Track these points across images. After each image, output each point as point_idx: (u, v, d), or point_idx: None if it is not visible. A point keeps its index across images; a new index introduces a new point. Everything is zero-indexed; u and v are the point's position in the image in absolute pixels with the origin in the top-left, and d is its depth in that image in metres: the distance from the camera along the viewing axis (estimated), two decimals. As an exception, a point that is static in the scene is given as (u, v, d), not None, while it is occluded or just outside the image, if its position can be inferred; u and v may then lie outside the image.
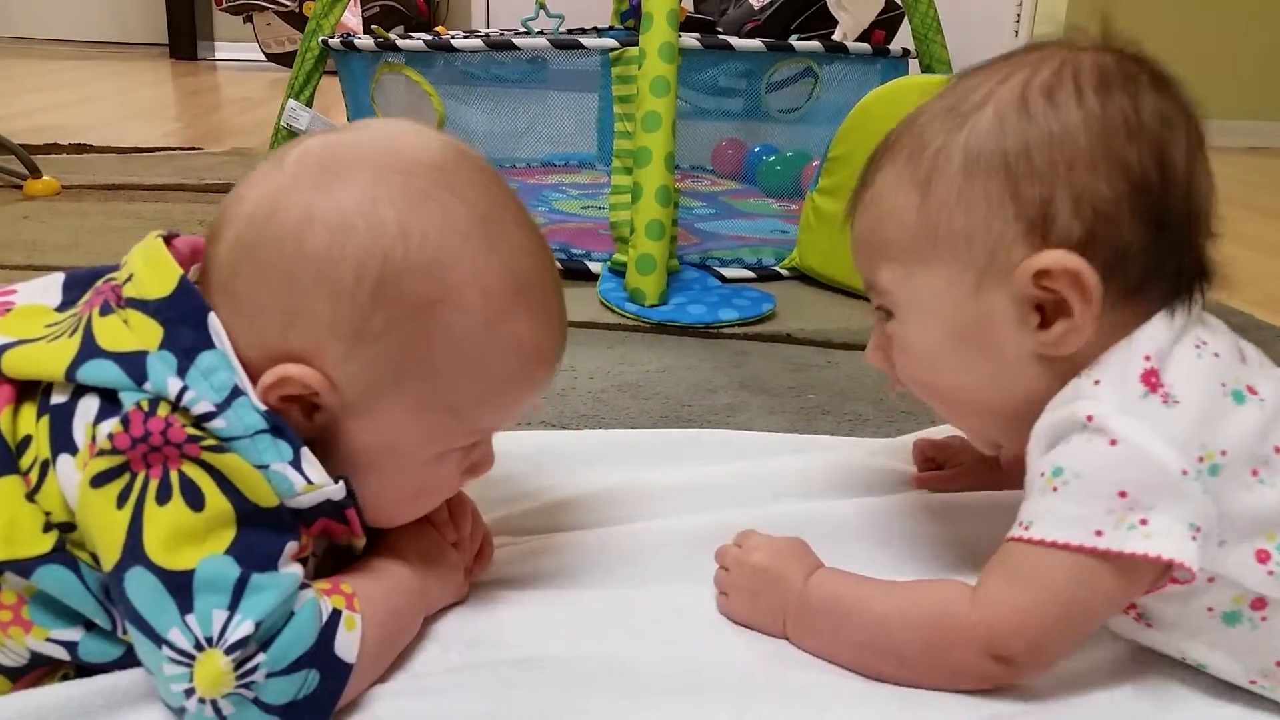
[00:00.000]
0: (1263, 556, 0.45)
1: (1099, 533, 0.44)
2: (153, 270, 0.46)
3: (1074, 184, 0.47)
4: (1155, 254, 0.48)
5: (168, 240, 0.48)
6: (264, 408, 0.44)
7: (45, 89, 3.10)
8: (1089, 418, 0.45)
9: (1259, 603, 0.46)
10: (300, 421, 0.46)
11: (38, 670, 0.46)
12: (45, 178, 1.64)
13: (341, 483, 0.46)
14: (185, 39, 4.20)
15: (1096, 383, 0.47)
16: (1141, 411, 0.45)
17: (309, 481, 0.45)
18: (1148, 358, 0.46)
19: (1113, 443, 0.45)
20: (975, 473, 0.66)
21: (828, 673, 0.50)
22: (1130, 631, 0.51)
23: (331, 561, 0.51)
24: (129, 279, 0.46)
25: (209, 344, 0.44)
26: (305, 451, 0.45)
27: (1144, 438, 0.44)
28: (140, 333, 0.44)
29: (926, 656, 0.48)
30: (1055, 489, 0.46)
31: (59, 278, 0.51)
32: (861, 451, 0.74)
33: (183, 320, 0.45)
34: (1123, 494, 0.44)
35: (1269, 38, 2.87)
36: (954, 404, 0.54)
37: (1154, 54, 0.51)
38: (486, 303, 0.46)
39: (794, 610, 0.52)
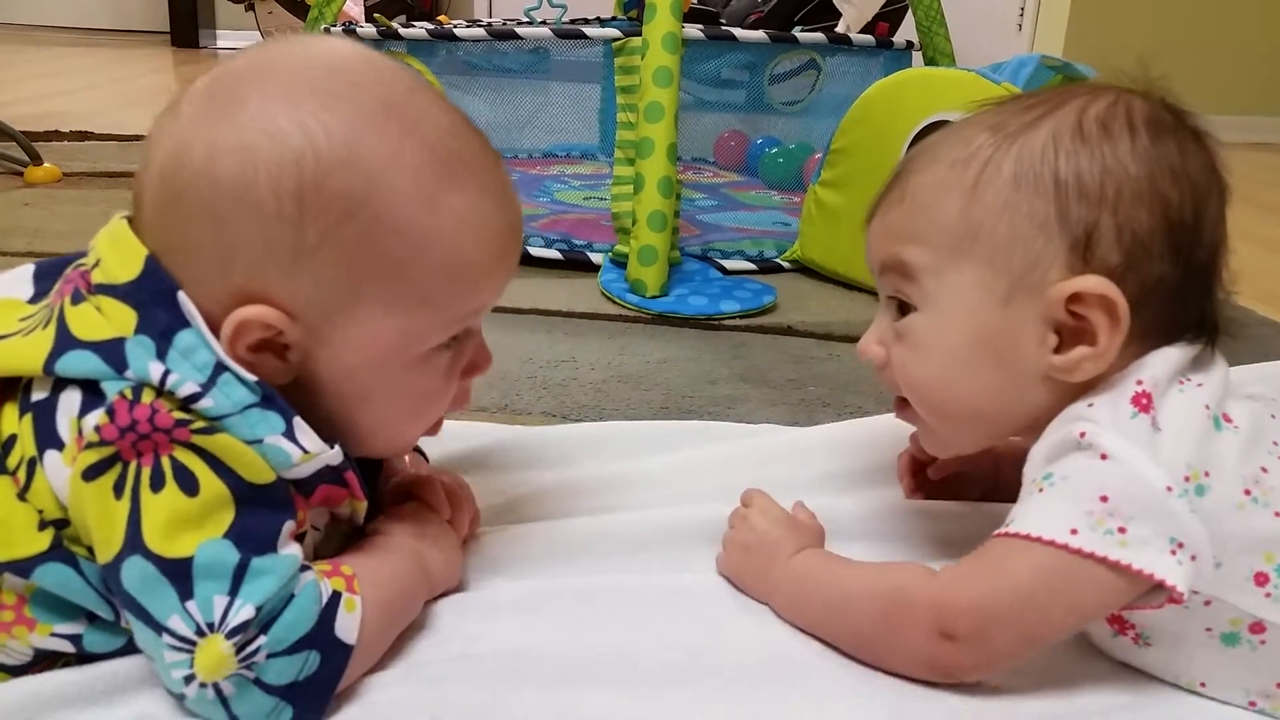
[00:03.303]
0: (1261, 579, 0.45)
1: (1074, 531, 0.45)
2: (118, 253, 0.45)
3: (1119, 213, 0.48)
4: (1178, 294, 0.49)
5: (132, 221, 0.47)
6: (249, 376, 0.43)
7: (46, 76, 3.10)
8: (1081, 434, 0.46)
9: (1258, 626, 0.46)
10: (278, 368, 0.45)
11: (41, 664, 0.46)
12: (46, 165, 1.64)
13: (337, 447, 0.46)
14: (187, 27, 4.19)
15: (1090, 405, 0.48)
16: (1131, 431, 0.46)
17: (304, 450, 0.44)
18: (1140, 382, 0.47)
19: (1103, 457, 0.45)
20: (966, 481, 0.65)
21: (828, 661, 0.50)
22: (1127, 654, 0.50)
23: (337, 540, 0.51)
24: (97, 264, 0.46)
25: (184, 323, 0.43)
26: (298, 421, 0.45)
27: (1132, 454, 0.45)
28: (114, 319, 0.44)
29: (881, 631, 0.49)
30: (1041, 490, 0.47)
31: (29, 269, 0.50)
32: (862, 432, 0.74)
33: (154, 301, 0.44)
34: (1104, 499, 0.45)
35: (1268, 33, 2.86)
36: (946, 408, 0.53)
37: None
38: (419, 182, 0.45)
39: (776, 576, 0.54)
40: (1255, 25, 2.85)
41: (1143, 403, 0.47)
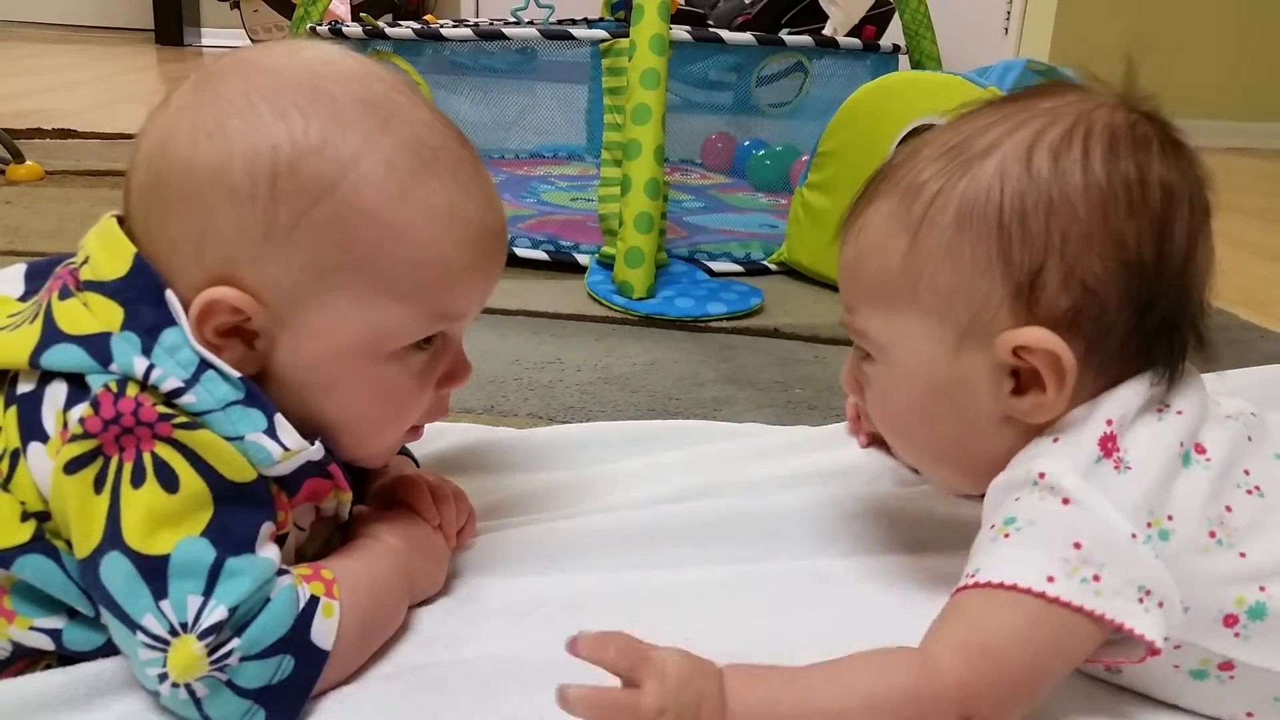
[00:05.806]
0: (1230, 621, 0.44)
1: (1050, 579, 0.42)
2: (107, 251, 0.46)
3: (1067, 256, 0.46)
4: (1139, 335, 0.47)
5: (122, 220, 0.48)
6: (233, 372, 0.44)
7: (29, 73, 3.07)
8: (1040, 475, 0.45)
9: (1226, 665, 0.45)
10: (245, 356, 0.45)
11: (21, 662, 0.46)
12: (29, 163, 1.62)
13: (318, 443, 0.46)
14: (171, 24, 4.17)
15: (1055, 440, 0.47)
16: (1093, 475, 0.44)
17: (285, 448, 0.45)
18: (1109, 421, 0.46)
19: (1065, 501, 0.44)
20: None
21: (814, 655, 0.50)
22: (1100, 674, 0.50)
23: (322, 539, 0.51)
24: (85, 261, 0.46)
25: (170, 321, 0.44)
26: (279, 418, 0.45)
27: (1094, 500, 0.44)
28: (101, 314, 0.44)
29: None
30: (1006, 535, 0.44)
31: (20, 268, 0.51)
32: (845, 433, 0.74)
33: (142, 299, 0.44)
34: (1078, 545, 0.43)
35: (1251, 39, 2.89)
36: (920, 452, 0.54)
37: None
38: (392, 173, 0.45)
39: None
40: (1240, 30, 2.87)
41: (1108, 446, 0.45)
